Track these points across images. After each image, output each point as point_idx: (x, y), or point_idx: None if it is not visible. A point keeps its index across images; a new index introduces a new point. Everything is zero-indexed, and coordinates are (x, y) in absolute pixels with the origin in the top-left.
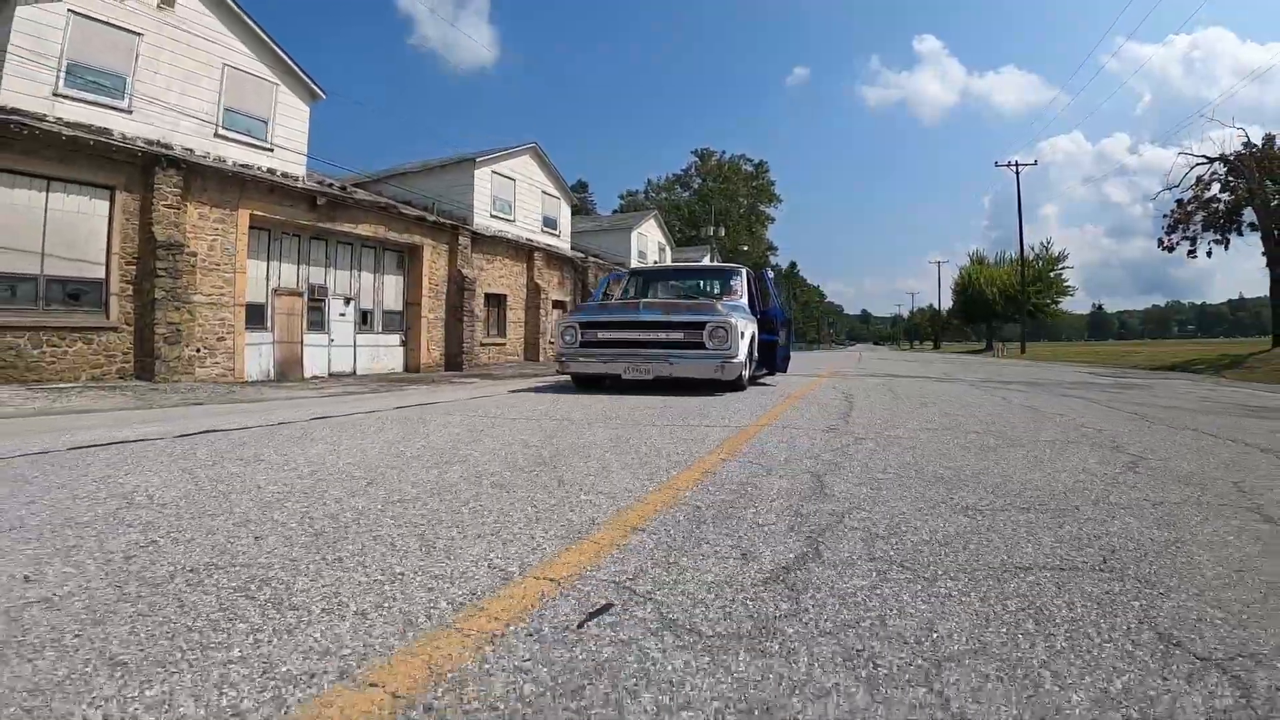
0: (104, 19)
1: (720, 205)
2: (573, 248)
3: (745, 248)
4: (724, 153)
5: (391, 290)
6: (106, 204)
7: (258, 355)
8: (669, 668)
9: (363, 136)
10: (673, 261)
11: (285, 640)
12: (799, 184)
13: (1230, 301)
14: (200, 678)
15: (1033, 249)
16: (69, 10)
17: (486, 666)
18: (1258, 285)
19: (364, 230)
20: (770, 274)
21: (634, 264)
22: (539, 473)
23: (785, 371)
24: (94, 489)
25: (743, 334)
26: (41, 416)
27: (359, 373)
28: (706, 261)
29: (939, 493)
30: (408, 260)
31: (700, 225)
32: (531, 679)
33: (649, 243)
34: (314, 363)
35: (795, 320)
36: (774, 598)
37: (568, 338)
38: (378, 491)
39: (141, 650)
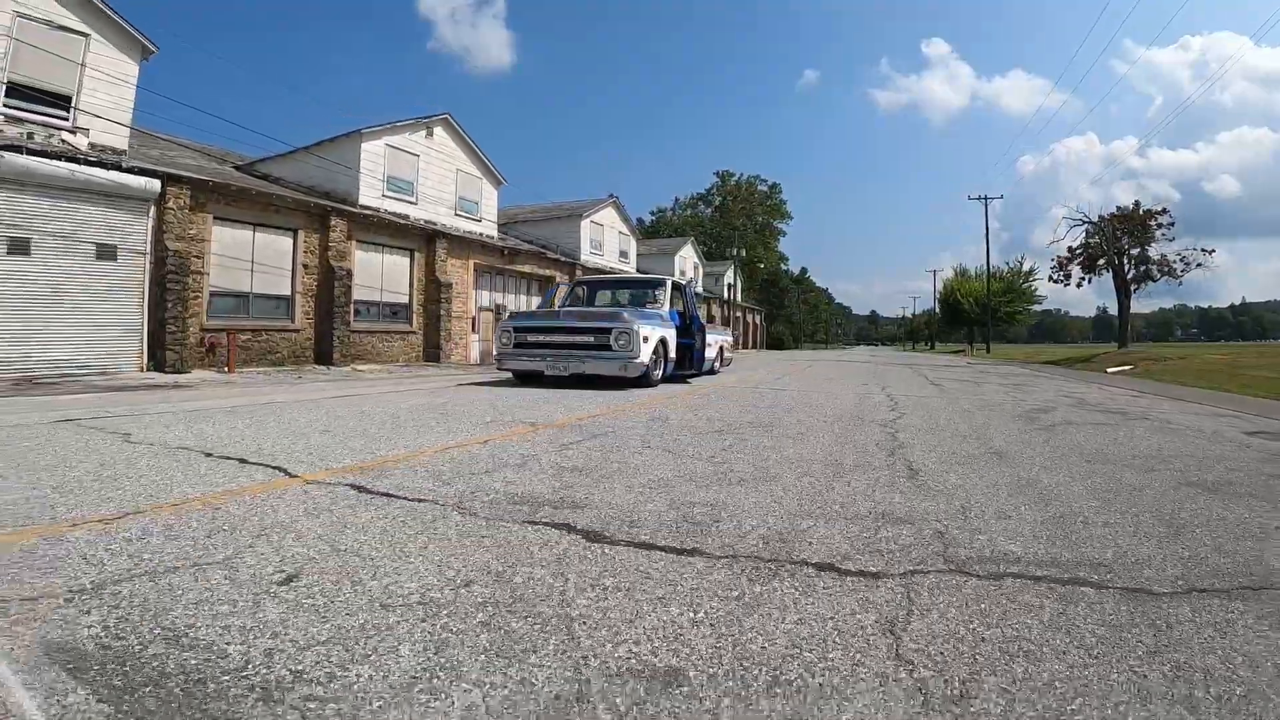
0: (402, 148)
1: (740, 224)
2: (636, 270)
3: (761, 264)
4: (742, 174)
5: (535, 306)
6: (408, 260)
7: (475, 348)
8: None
9: None
10: (703, 276)
11: (538, 413)
12: (810, 184)
13: (1233, 306)
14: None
15: (1008, 264)
16: (385, 145)
17: (554, 432)
18: (1261, 291)
19: (525, 268)
20: (691, 286)
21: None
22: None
23: (711, 372)
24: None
25: (646, 338)
26: (437, 378)
27: None
28: (711, 273)
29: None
30: (544, 287)
31: (722, 242)
32: (556, 440)
33: (687, 263)
34: None
35: (804, 322)
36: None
37: (503, 339)
38: (552, 394)
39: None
